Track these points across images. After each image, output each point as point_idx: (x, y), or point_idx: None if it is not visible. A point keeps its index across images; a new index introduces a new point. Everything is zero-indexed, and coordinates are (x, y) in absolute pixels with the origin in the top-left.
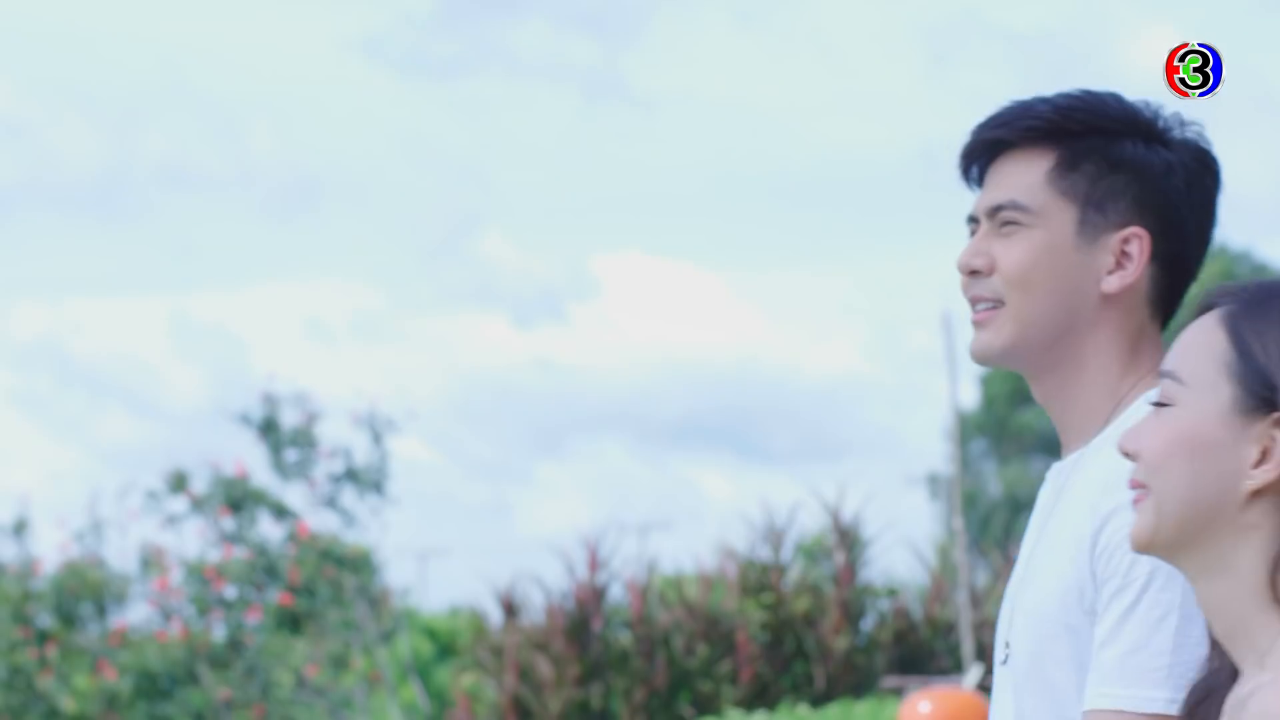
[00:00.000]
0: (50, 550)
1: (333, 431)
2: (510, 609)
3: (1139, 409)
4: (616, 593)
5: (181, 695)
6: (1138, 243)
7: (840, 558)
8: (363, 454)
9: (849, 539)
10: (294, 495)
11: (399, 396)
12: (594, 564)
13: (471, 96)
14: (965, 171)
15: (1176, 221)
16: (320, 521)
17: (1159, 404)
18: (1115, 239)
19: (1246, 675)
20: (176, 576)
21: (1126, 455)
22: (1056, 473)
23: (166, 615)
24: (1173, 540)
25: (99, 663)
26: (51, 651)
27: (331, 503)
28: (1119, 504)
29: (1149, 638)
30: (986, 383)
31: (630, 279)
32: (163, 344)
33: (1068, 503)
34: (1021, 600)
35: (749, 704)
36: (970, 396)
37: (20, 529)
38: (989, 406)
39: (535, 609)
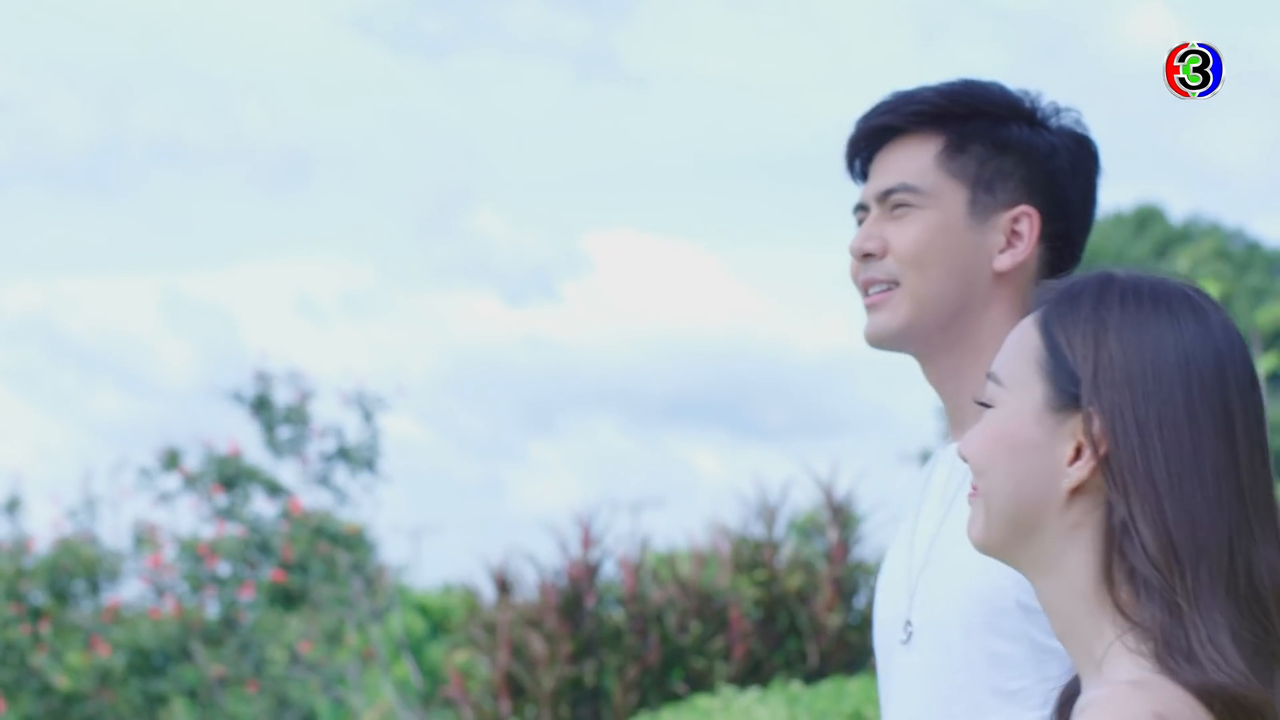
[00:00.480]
0: (43, 527)
1: (325, 409)
2: (503, 586)
3: None
4: (609, 570)
5: (175, 672)
6: (1028, 221)
7: (833, 534)
8: (354, 432)
9: (842, 516)
10: (287, 473)
11: (390, 374)
12: (587, 541)
13: (463, 73)
14: (850, 164)
15: (1063, 201)
16: (313, 499)
17: (983, 405)
18: (1005, 218)
19: (1086, 684)
20: (169, 553)
21: (962, 459)
22: (953, 454)
23: (160, 592)
24: (1004, 541)
25: (92, 639)
26: (45, 628)
27: (324, 480)
28: None
29: None
30: None
31: (622, 256)
32: (154, 321)
33: None
34: (939, 580)
35: (742, 681)
36: None
37: (13, 506)
38: None
39: (528, 586)
